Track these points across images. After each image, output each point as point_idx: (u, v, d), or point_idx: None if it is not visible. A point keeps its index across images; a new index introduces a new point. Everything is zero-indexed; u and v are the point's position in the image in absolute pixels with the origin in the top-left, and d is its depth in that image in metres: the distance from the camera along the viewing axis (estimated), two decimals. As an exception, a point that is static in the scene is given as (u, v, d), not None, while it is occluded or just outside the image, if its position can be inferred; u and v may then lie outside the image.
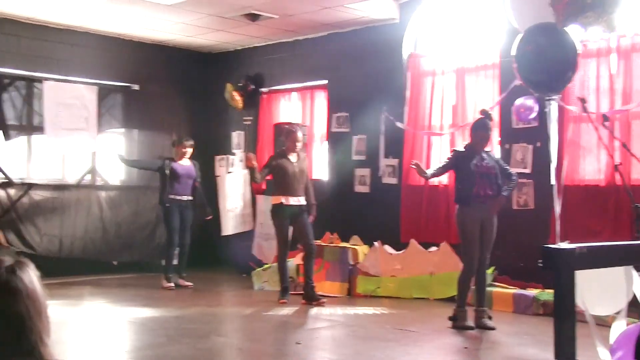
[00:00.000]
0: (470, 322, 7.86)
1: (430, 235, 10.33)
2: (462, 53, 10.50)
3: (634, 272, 4.51)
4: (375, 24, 11.32)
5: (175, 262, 11.09)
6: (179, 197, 10.98)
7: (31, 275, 2.36)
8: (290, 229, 9.84)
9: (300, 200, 9.68)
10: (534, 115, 9.39)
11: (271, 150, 12.34)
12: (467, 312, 7.94)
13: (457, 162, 8.16)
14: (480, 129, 8.12)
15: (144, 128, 12.94)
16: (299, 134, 9.88)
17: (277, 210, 9.63)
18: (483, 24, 10.15)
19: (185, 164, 11.15)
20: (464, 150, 8.22)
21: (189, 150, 11.23)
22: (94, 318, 8.69)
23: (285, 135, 10.04)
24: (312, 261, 9.69)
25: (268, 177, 10.15)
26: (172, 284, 10.80)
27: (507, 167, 8.55)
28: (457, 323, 7.84)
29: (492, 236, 8.18)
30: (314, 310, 9.04)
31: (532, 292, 9.04)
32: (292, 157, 9.71)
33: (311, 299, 9.36)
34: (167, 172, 10.87)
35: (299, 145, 9.81)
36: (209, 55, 13.93)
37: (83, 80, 12.37)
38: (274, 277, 10.71)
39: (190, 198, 11.16)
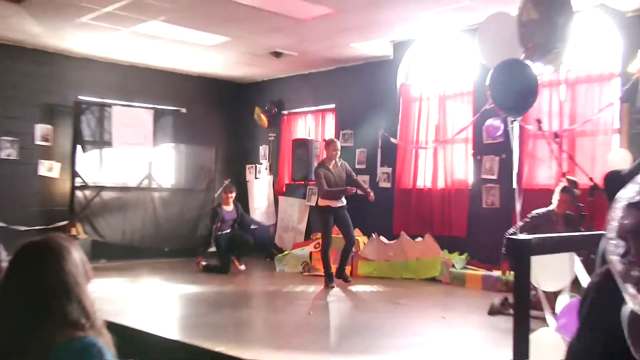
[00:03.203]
0: None
1: (417, 228, 10.34)
2: (443, 83, 10.49)
3: (576, 257, 4.55)
4: (373, 59, 11.36)
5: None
6: (223, 232, 10.71)
7: (75, 250, 2.38)
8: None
9: (342, 202, 9.15)
10: (500, 132, 9.42)
11: (290, 160, 12.43)
12: None
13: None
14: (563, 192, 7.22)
15: (190, 143, 12.96)
16: (338, 144, 9.38)
17: (324, 212, 9.13)
18: (459, 60, 10.18)
19: (229, 209, 10.88)
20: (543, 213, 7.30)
21: (232, 196, 10.99)
22: (150, 292, 8.77)
23: (326, 144, 9.47)
24: (350, 251, 9.29)
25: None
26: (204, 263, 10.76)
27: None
28: None
29: None
30: (323, 287, 9.00)
31: (496, 273, 9.06)
32: (331, 167, 9.19)
33: (342, 279, 9.11)
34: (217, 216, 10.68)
35: (337, 153, 9.25)
36: (241, 85, 13.98)
37: (142, 105, 12.46)
38: (292, 261, 10.74)
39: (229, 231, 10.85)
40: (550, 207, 7.21)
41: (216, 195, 12.83)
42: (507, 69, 5.69)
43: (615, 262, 1.22)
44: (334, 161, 9.22)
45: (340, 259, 9.25)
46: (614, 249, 1.23)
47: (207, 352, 5.51)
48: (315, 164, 11.82)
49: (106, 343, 2.27)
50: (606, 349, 1.65)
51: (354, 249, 9.58)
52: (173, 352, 5.81)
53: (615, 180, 2.13)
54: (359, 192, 9.42)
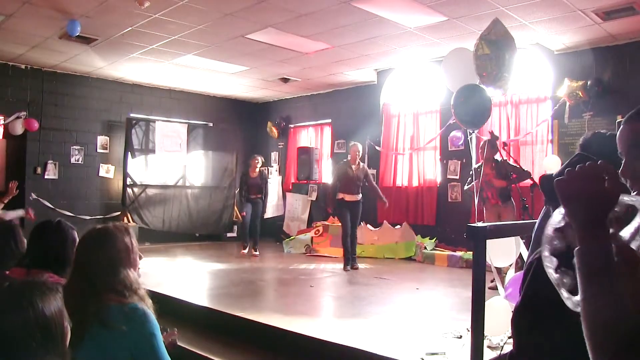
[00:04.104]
0: None
1: (396, 218, 10.35)
2: (416, 103, 10.51)
3: (520, 240, 4.57)
4: (362, 84, 11.38)
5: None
6: (250, 197, 10.09)
7: (125, 238, 2.47)
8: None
9: (356, 197, 8.60)
10: (461, 142, 9.45)
11: (296, 164, 12.43)
12: None
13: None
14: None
15: (216, 150, 12.96)
16: (358, 147, 8.77)
17: (339, 204, 8.62)
18: (429, 85, 10.19)
19: (254, 175, 10.15)
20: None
21: (257, 164, 10.20)
22: (184, 269, 8.77)
23: (350, 148, 8.90)
24: (354, 241, 8.69)
25: None
26: (246, 251, 10.08)
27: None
28: None
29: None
30: (321, 266, 9.03)
31: (459, 253, 9.09)
32: (353, 166, 8.62)
33: (351, 265, 8.56)
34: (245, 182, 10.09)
35: (358, 156, 8.70)
36: (256, 104, 13.99)
37: (179, 120, 12.50)
38: (297, 244, 10.73)
39: (258, 196, 10.18)
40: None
41: (236, 191, 12.82)
42: (467, 92, 5.69)
43: (551, 273, 1.29)
44: (357, 161, 8.69)
45: (350, 248, 8.80)
46: (549, 263, 1.30)
47: (228, 316, 5.53)
48: (316, 167, 11.87)
49: (148, 307, 2.38)
50: (541, 308, 1.71)
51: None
52: (202, 316, 5.83)
53: (548, 181, 2.19)
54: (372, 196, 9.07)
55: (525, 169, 7.12)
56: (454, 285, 7.27)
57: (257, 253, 10.07)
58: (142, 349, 2.26)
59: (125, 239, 2.46)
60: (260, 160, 10.28)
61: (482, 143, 7.24)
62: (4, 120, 10.43)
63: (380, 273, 8.27)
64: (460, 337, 4.68)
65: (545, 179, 2.17)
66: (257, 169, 10.19)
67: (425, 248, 9.58)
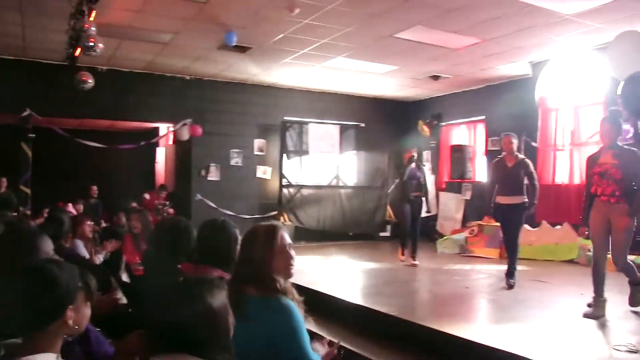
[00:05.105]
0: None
1: (556, 217, 9.75)
2: (576, 94, 9.86)
3: None
4: (515, 78, 10.91)
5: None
6: (408, 195, 9.01)
7: (275, 237, 2.55)
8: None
9: (513, 200, 7.06)
10: (630, 135, 8.71)
11: (449, 162, 12.24)
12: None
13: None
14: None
15: (368, 150, 13.13)
16: (510, 139, 7.22)
17: (494, 208, 7.28)
18: (590, 74, 9.48)
19: (410, 168, 9.10)
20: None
21: (412, 156, 9.18)
22: (338, 267, 8.94)
23: (501, 140, 7.70)
24: (513, 253, 7.19)
25: None
26: (403, 257, 9.11)
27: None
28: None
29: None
30: (476, 267, 8.76)
31: (630, 257, 8.33)
32: (509, 162, 7.18)
33: (509, 280, 7.12)
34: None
35: (512, 147, 7.18)
36: (407, 103, 13.90)
37: (331, 122, 12.76)
38: (451, 244, 10.54)
39: (417, 194, 9.09)
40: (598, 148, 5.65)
41: (389, 190, 12.87)
42: (637, 79, 5.23)
43: None
44: (513, 154, 7.24)
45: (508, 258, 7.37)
46: None
47: (382, 315, 5.54)
48: (469, 165, 11.56)
49: (295, 301, 2.44)
50: None
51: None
52: (354, 313, 5.91)
53: None
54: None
55: None
56: (624, 292, 6.61)
57: (417, 262, 8.90)
58: (284, 342, 2.34)
59: (275, 239, 2.55)
60: (414, 152, 9.36)
61: (601, 123, 5.50)
62: (173, 127, 11.37)
63: (539, 276, 7.87)
64: (637, 352, 4.24)
65: None
66: (413, 163, 9.16)
67: (589, 250, 8.91)
